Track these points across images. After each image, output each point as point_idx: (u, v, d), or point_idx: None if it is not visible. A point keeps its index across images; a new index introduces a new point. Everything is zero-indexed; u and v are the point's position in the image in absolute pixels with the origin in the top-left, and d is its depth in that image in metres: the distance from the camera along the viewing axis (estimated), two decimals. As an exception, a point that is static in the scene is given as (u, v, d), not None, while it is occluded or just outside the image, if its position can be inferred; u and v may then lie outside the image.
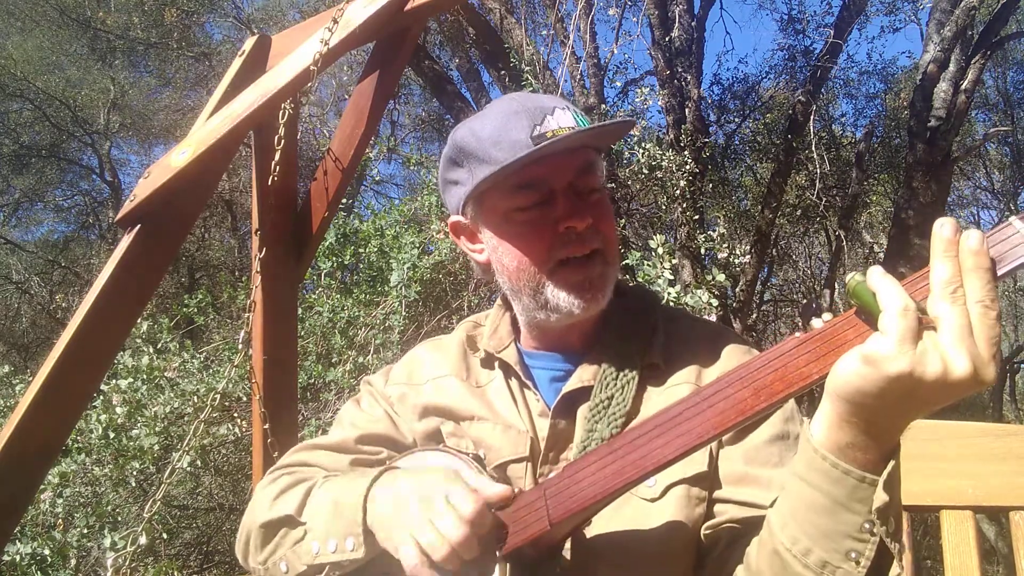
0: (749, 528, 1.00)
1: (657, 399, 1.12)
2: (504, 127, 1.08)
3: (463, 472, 1.03)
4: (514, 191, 1.10)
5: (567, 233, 1.08)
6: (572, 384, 1.14)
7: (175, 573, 4.64)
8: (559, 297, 1.10)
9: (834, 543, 0.82)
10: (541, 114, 1.08)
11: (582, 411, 1.13)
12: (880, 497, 0.79)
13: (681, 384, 1.13)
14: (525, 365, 1.21)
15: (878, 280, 0.75)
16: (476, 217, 1.17)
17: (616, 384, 1.12)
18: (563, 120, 1.09)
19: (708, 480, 1.08)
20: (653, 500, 1.07)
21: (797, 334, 0.82)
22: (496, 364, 1.22)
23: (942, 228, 0.73)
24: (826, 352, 0.79)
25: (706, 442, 0.84)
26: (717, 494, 1.08)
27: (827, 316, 0.81)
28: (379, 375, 1.34)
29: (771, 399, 0.81)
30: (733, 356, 1.16)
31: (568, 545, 1.05)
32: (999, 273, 0.73)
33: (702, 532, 1.08)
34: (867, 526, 0.80)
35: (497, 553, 0.96)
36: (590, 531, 1.06)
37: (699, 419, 0.84)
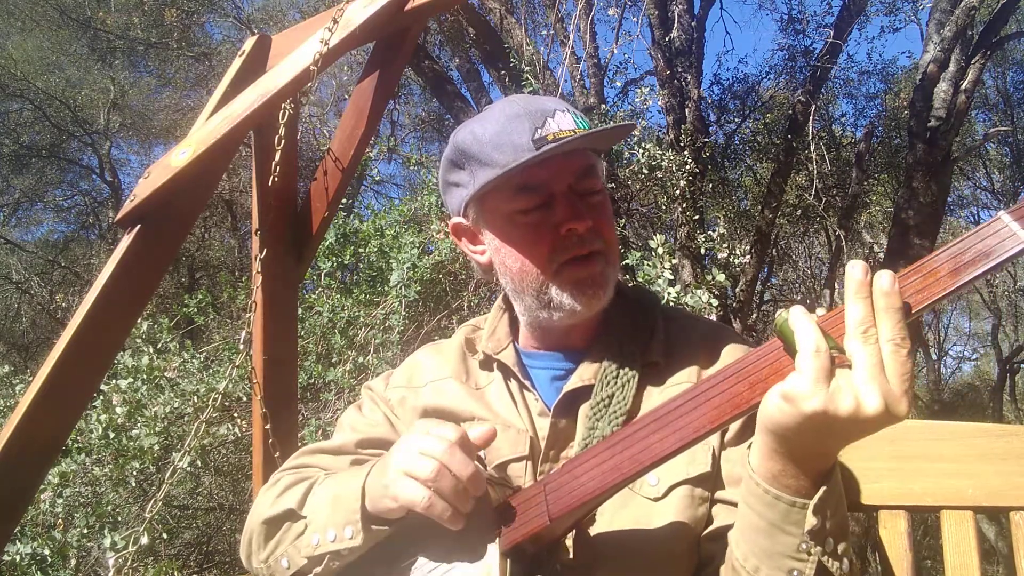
0: None
1: (657, 397, 1.13)
2: (505, 130, 1.09)
3: None
4: (515, 194, 1.11)
5: (568, 235, 1.10)
6: (573, 383, 1.15)
7: (175, 573, 4.64)
8: (563, 296, 1.11)
9: (776, 562, 0.87)
10: (542, 117, 1.09)
11: (583, 410, 1.13)
12: (810, 521, 0.83)
13: (681, 382, 1.14)
14: (523, 366, 1.22)
15: (796, 320, 0.79)
16: (478, 219, 1.18)
17: (616, 383, 1.12)
18: (564, 123, 1.09)
19: (711, 481, 1.09)
20: (656, 500, 1.07)
21: None
22: (495, 366, 1.23)
23: (853, 270, 0.77)
24: None
25: (702, 436, 0.86)
26: (718, 495, 1.09)
27: (820, 311, 0.82)
28: (379, 380, 1.35)
29: (766, 393, 0.82)
30: (732, 354, 1.16)
31: (571, 543, 1.06)
32: (988, 267, 0.75)
33: (704, 533, 1.08)
34: (804, 547, 0.85)
35: (498, 544, 0.96)
36: (593, 530, 1.07)
37: (696, 414, 0.85)
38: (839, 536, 0.86)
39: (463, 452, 0.95)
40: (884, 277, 0.75)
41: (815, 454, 0.83)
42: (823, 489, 0.83)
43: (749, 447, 0.89)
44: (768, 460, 0.84)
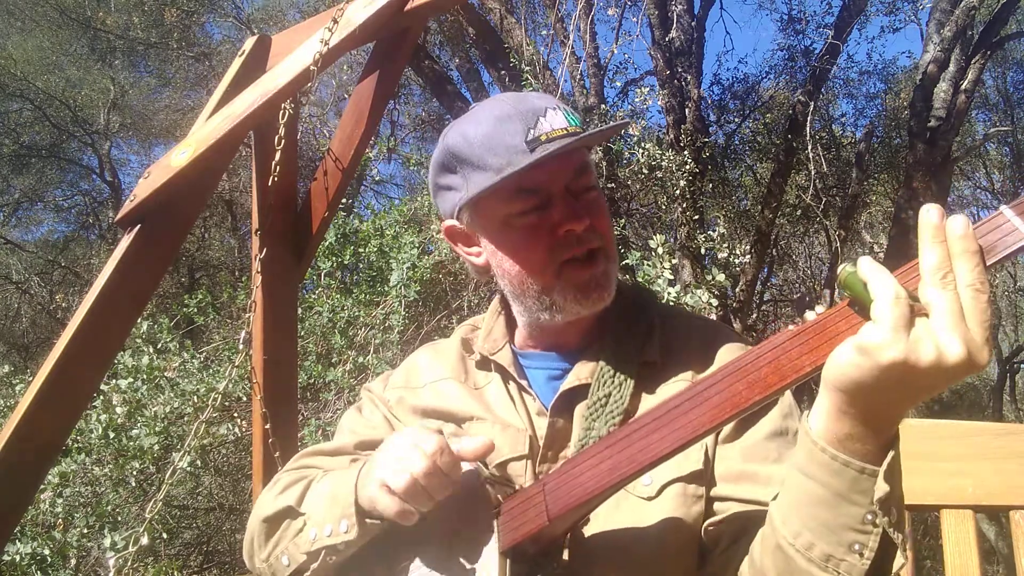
0: (750, 525, 1.00)
1: (654, 396, 1.12)
2: (497, 131, 1.07)
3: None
4: (511, 196, 1.10)
5: (567, 236, 1.09)
6: (569, 382, 1.15)
7: (175, 573, 4.64)
8: (566, 298, 1.11)
9: (837, 536, 0.82)
10: (533, 116, 1.08)
11: (579, 409, 1.13)
12: (881, 488, 0.78)
13: (679, 381, 1.13)
14: (520, 366, 1.21)
15: (869, 269, 0.75)
16: (472, 222, 1.16)
17: (613, 382, 1.12)
18: (555, 121, 1.08)
19: (704, 477, 1.08)
20: (650, 499, 1.07)
21: (791, 326, 0.83)
22: (492, 366, 1.23)
23: (928, 214, 0.73)
24: (819, 343, 0.79)
25: (702, 435, 0.85)
26: (717, 492, 1.08)
27: (820, 308, 0.81)
28: (378, 381, 1.35)
29: (765, 391, 0.81)
30: (730, 353, 1.16)
31: (567, 543, 1.06)
32: (990, 262, 0.73)
33: (703, 530, 1.08)
34: (869, 517, 0.80)
35: (497, 545, 0.96)
36: (587, 530, 1.07)
37: (695, 413, 0.85)
38: (901, 507, 0.83)
39: (435, 465, 0.97)
40: (958, 221, 0.72)
41: (885, 415, 0.78)
42: (891, 454, 0.79)
43: (806, 415, 0.84)
44: (836, 422, 0.79)
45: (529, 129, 1.07)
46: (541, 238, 1.10)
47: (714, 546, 1.07)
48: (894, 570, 0.85)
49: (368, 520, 1.02)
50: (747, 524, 1.02)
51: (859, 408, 0.77)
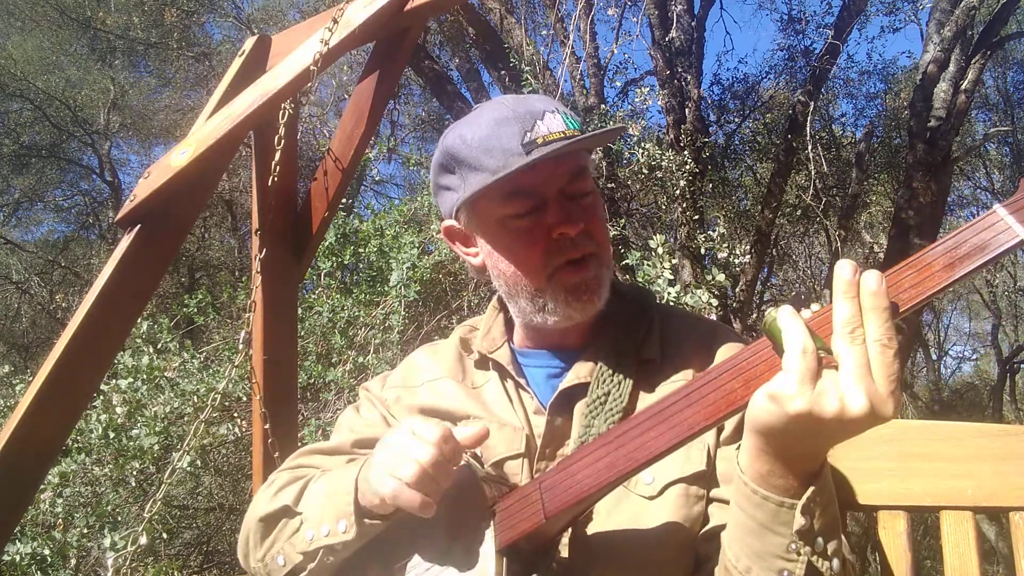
0: None
1: (653, 395, 1.13)
2: (494, 134, 1.08)
3: None
4: (507, 199, 1.10)
5: (560, 240, 1.10)
6: (569, 381, 1.15)
7: (175, 573, 4.65)
8: (557, 302, 1.12)
9: (766, 562, 0.87)
10: (531, 120, 1.08)
11: (579, 407, 1.13)
12: (798, 521, 0.83)
13: (677, 380, 1.14)
14: (518, 364, 1.22)
15: (784, 320, 0.78)
16: (470, 223, 1.18)
17: (613, 380, 1.12)
18: (553, 125, 1.09)
19: (706, 479, 1.09)
20: (651, 498, 1.07)
21: None
22: (490, 365, 1.23)
23: (842, 270, 0.76)
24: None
25: (697, 433, 0.86)
26: (714, 493, 1.09)
27: (815, 307, 0.82)
28: (376, 380, 1.36)
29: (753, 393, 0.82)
30: (728, 352, 1.16)
31: (566, 542, 1.06)
32: (984, 260, 0.74)
33: (700, 533, 1.08)
34: (793, 547, 0.84)
35: (493, 543, 0.96)
36: (589, 529, 1.07)
37: (691, 410, 0.85)
38: (829, 535, 0.86)
39: (440, 452, 0.96)
40: (871, 276, 0.75)
41: (802, 454, 0.83)
42: (811, 489, 0.83)
43: (739, 448, 0.89)
44: (756, 460, 0.85)
45: (526, 132, 1.07)
46: (535, 241, 1.10)
47: (708, 547, 1.07)
48: None
49: (367, 520, 1.02)
50: None
51: (774, 448, 0.82)
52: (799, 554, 0.84)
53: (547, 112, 1.10)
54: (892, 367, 0.75)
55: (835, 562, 0.86)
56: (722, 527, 1.05)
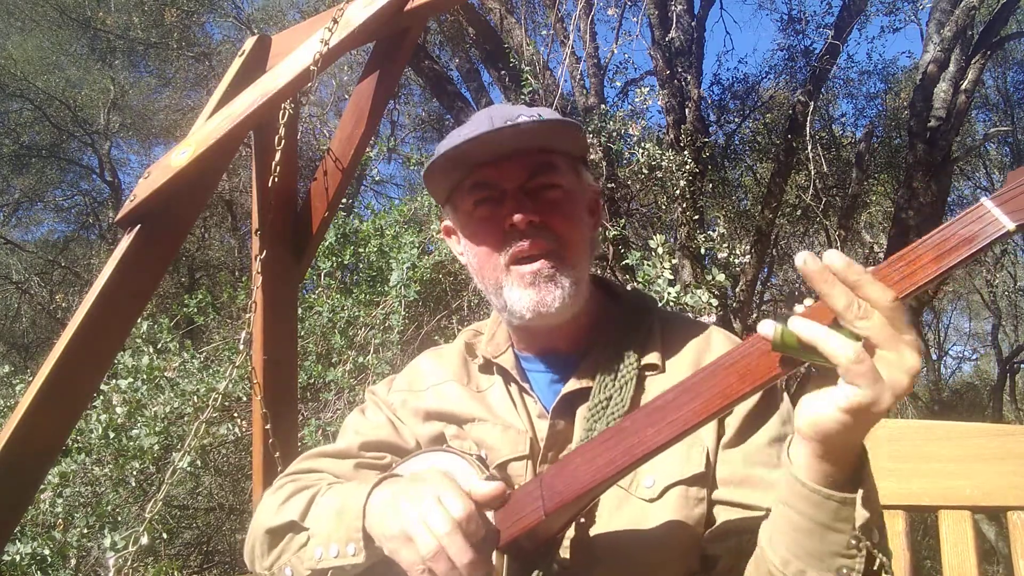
0: (750, 532, 1.01)
1: None
2: (465, 128, 1.13)
3: (458, 474, 1.02)
4: (470, 191, 1.14)
5: (512, 231, 1.11)
6: (571, 385, 1.16)
7: (175, 573, 4.65)
8: (512, 297, 1.12)
9: (824, 563, 0.86)
10: (502, 119, 1.11)
11: (581, 411, 1.14)
12: (861, 514, 0.82)
13: None
14: (522, 369, 1.22)
15: (808, 331, 0.78)
16: (453, 217, 1.22)
17: (614, 385, 1.13)
18: (521, 119, 1.11)
19: (706, 480, 1.09)
20: (652, 500, 1.07)
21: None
22: (495, 369, 1.24)
23: (806, 263, 0.76)
24: None
25: (694, 428, 0.86)
26: (718, 496, 1.09)
27: (808, 301, 0.83)
28: (382, 384, 1.37)
29: (756, 383, 0.84)
30: None
31: (567, 545, 1.06)
32: (973, 251, 0.75)
33: (705, 536, 1.08)
34: (853, 542, 0.84)
35: (494, 553, 0.96)
36: (590, 531, 1.07)
37: (687, 406, 0.86)
38: (881, 526, 0.86)
39: (464, 535, 0.91)
40: (832, 255, 0.76)
41: (852, 444, 0.83)
42: (866, 481, 0.83)
43: (787, 450, 0.88)
44: (815, 463, 0.83)
45: (493, 122, 1.11)
46: (492, 231, 1.13)
47: (716, 550, 1.07)
48: None
49: (376, 545, 1.01)
50: (744, 531, 1.03)
51: (833, 449, 0.82)
52: (859, 549, 0.84)
53: (523, 116, 1.12)
54: (904, 317, 0.76)
55: (887, 551, 0.86)
56: (729, 528, 1.05)
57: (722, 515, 1.08)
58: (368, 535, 1.01)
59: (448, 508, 0.92)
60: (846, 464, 0.83)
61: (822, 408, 0.79)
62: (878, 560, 0.84)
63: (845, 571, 0.85)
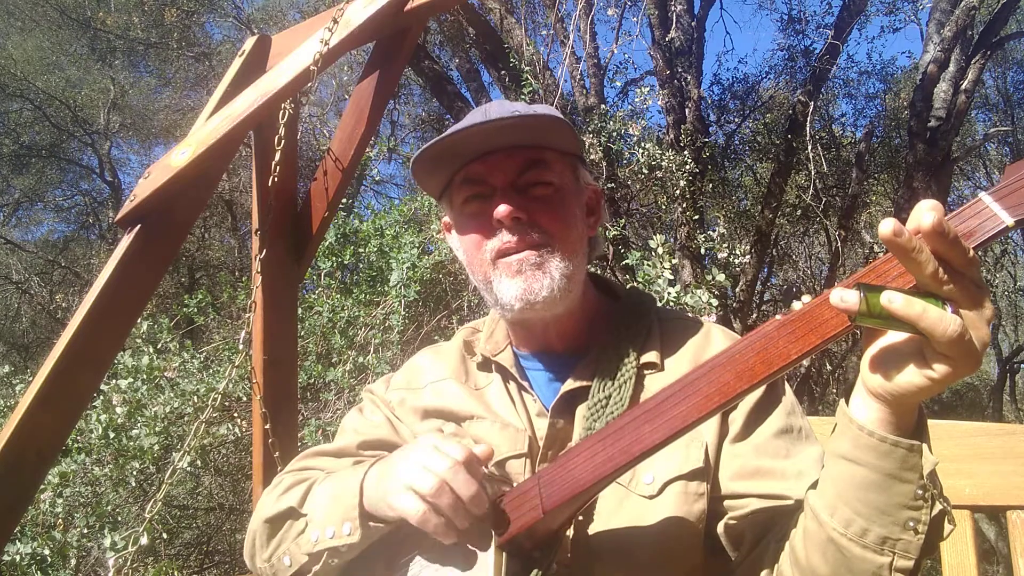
0: (775, 520, 1.01)
1: None
2: (461, 124, 1.13)
3: None
4: (461, 186, 1.15)
5: (498, 225, 1.11)
6: (570, 384, 1.15)
7: (175, 573, 4.64)
8: (501, 288, 1.12)
9: (891, 516, 0.83)
10: (497, 114, 1.12)
11: (580, 410, 1.14)
12: (930, 460, 0.81)
13: None
14: (521, 367, 1.22)
15: (904, 307, 0.73)
16: (448, 213, 1.23)
17: (614, 384, 1.13)
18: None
19: (706, 475, 1.09)
20: (651, 497, 1.07)
21: (777, 316, 0.84)
22: (493, 367, 1.24)
23: (887, 228, 0.72)
24: (806, 332, 0.81)
25: (692, 425, 0.86)
26: (732, 489, 1.08)
27: (806, 298, 0.82)
28: (380, 382, 1.36)
29: (752, 380, 0.83)
30: None
31: (568, 543, 1.06)
32: (973, 246, 0.74)
33: (724, 524, 1.08)
34: (920, 492, 0.82)
35: (493, 539, 0.96)
36: (590, 529, 1.07)
37: (685, 403, 0.86)
38: (937, 476, 0.85)
39: (467, 472, 0.93)
40: (927, 217, 0.71)
41: (917, 404, 0.83)
42: (927, 432, 0.83)
43: (845, 403, 0.85)
44: (887, 415, 0.82)
45: (487, 117, 1.11)
46: (481, 226, 1.13)
47: (737, 545, 1.07)
48: (944, 535, 0.86)
49: (372, 523, 1.02)
50: (772, 519, 1.03)
51: (905, 405, 0.80)
52: (925, 500, 0.82)
53: (517, 112, 1.13)
54: (979, 270, 0.74)
55: (947, 502, 0.85)
56: (748, 523, 1.04)
57: (738, 507, 1.07)
58: (365, 513, 1.02)
59: (447, 452, 0.95)
60: (911, 415, 0.82)
61: (907, 376, 0.77)
62: (942, 507, 0.83)
63: (912, 524, 0.83)
